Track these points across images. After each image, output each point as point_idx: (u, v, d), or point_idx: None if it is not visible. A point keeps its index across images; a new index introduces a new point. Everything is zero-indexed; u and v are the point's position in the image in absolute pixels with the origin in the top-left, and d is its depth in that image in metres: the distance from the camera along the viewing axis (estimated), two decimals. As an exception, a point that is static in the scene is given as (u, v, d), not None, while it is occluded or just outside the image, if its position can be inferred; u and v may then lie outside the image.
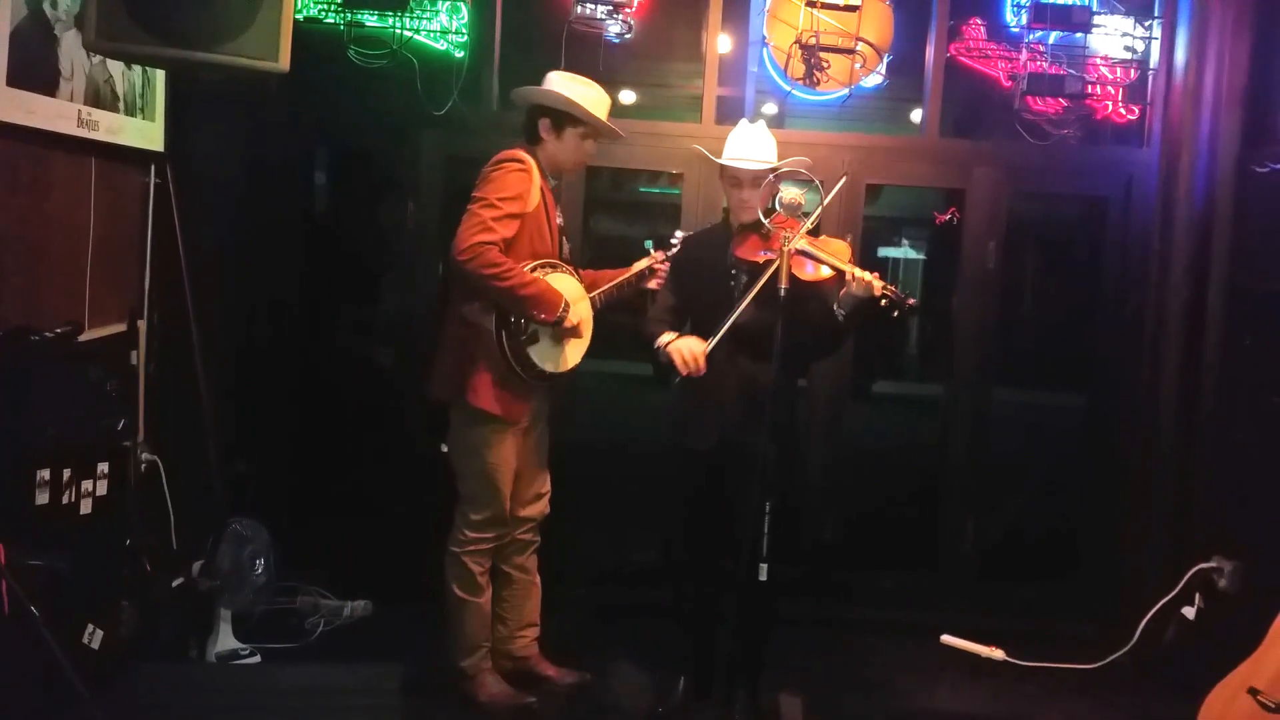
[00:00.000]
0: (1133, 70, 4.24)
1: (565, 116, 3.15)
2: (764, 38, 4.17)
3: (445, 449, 3.05)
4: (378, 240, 4.40)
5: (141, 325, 3.40)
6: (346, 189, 4.49)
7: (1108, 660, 3.81)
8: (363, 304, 4.42)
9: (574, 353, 3.19)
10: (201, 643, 3.25)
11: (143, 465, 3.17)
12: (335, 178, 4.42)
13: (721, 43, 4.27)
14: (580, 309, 3.15)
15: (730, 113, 4.46)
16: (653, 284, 3.29)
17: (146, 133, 3.50)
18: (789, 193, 3.08)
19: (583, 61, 4.12)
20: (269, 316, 4.07)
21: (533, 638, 3.41)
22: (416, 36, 3.98)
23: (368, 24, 3.90)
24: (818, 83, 4.14)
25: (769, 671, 2.85)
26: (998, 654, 3.85)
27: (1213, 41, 3.98)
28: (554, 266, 3.13)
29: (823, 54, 4.08)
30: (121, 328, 3.28)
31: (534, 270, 3.05)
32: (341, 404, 4.28)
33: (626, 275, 3.29)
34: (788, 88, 4.17)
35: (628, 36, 4.11)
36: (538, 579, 3.41)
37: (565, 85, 3.16)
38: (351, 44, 3.90)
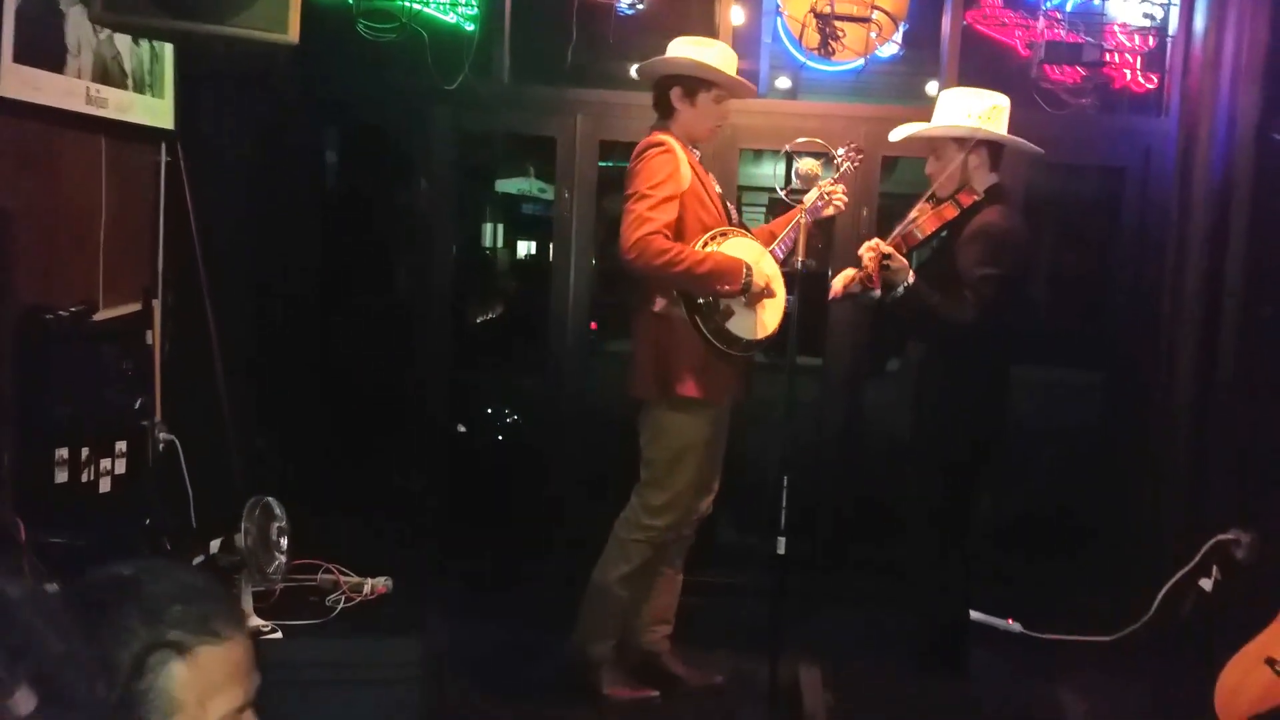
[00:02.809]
0: (1151, 38, 4.19)
1: (696, 81, 3.05)
2: (778, 7, 4.12)
3: (462, 429, 3.06)
4: (391, 218, 4.37)
5: (156, 305, 3.39)
6: (359, 165, 4.46)
7: (1125, 632, 3.82)
8: (378, 281, 4.39)
9: (773, 314, 3.08)
10: (223, 621, 3.24)
11: (160, 445, 3.17)
12: (347, 154, 4.39)
13: (735, 14, 4.21)
14: (764, 267, 3.04)
15: (745, 85, 4.42)
16: (829, 211, 3.14)
17: (156, 110, 3.46)
18: (805, 164, 3.06)
19: (594, 34, 4.08)
20: (284, 294, 4.06)
21: (664, 634, 3.29)
22: (426, 9, 3.93)
23: (377, -4, 3.86)
24: (833, 53, 4.09)
25: (790, 644, 2.85)
26: (1015, 626, 3.86)
27: (1232, 8, 3.93)
28: (725, 234, 3.04)
29: (838, 23, 4.03)
30: (136, 307, 3.26)
31: (705, 244, 2.98)
32: (359, 382, 4.27)
33: (799, 213, 3.09)
34: (802, 58, 4.13)
35: (639, 7, 4.06)
36: (680, 575, 3.31)
37: (690, 49, 3.06)
38: (360, 17, 3.85)
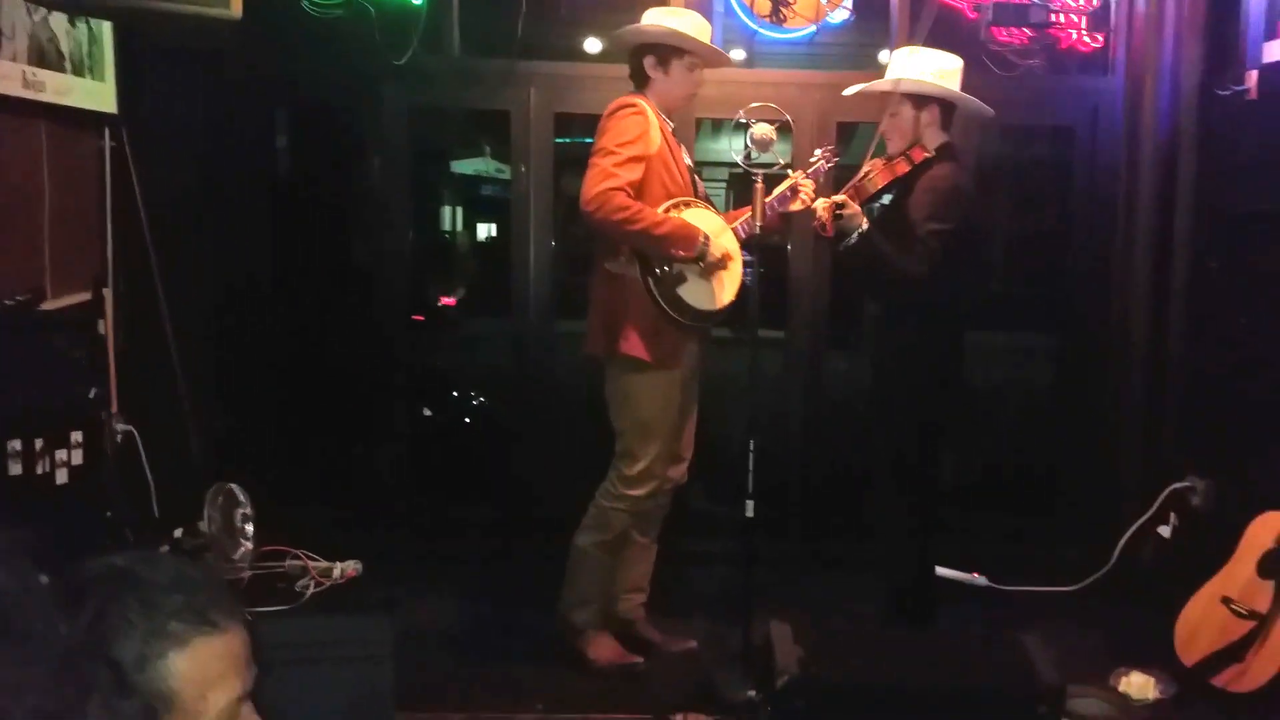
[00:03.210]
0: (1096, -2, 4.23)
1: (670, 50, 3.06)
2: (729, -26, 4.11)
3: (428, 412, 3.03)
4: (345, 198, 4.31)
5: (108, 293, 3.32)
6: (309, 145, 4.39)
7: (1088, 581, 3.91)
8: (335, 264, 4.33)
9: (727, 288, 3.09)
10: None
11: (118, 435, 3.11)
12: (297, 133, 4.32)
13: (687, -17, 4.18)
14: (723, 241, 3.05)
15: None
16: (795, 206, 3.13)
17: (97, 93, 3.38)
18: (759, 129, 3.06)
19: (545, 6, 4.05)
20: (239, 278, 3.99)
21: (639, 602, 3.31)
22: (374, -16, 3.87)
23: (322, -28, 3.79)
24: (784, 20, 4.10)
25: (762, 604, 2.88)
26: (981, 580, 3.93)
27: (1174, -35, 3.98)
28: (687, 204, 3.06)
29: (791, -12, 4.03)
30: (87, 296, 3.20)
31: (667, 210, 2.99)
32: (321, 367, 4.23)
33: (770, 199, 3.09)
34: (754, 26, 4.12)
35: (590, -22, 4.04)
36: (655, 545, 3.32)
37: (664, 18, 3.10)
38: (307, -7, 3.79)
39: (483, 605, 3.66)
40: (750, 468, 2.89)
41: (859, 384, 3.30)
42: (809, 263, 4.14)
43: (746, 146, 3.05)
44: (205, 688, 1.09)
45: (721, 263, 3.02)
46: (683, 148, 3.20)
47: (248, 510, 3.03)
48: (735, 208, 3.32)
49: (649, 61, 3.07)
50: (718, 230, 3.05)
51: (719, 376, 3.44)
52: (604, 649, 3.15)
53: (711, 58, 3.14)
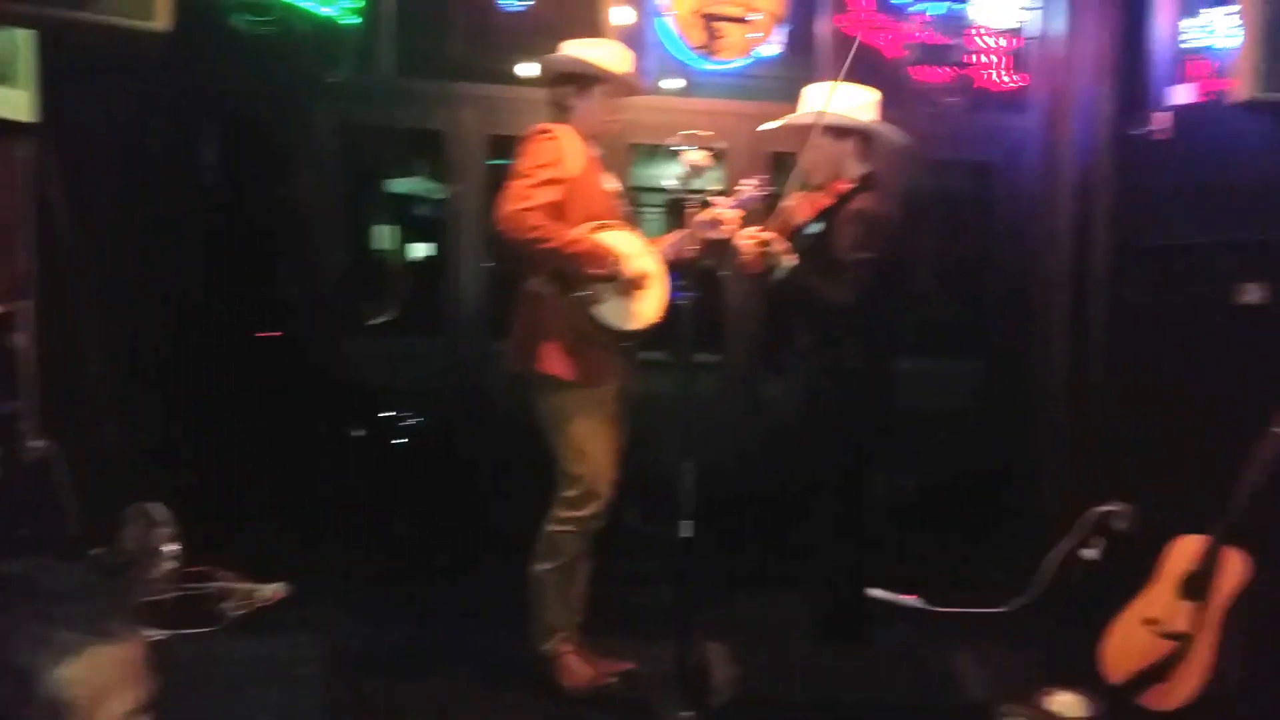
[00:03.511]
0: (1013, 40, 4.41)
1: (588, 79, 3.12)
2: (663, 7, 4.18)
3: (358, 433, 2.99)
4: (273, 213, 4.22)
5: (26, 306, 3.19)
6: (239, 160, 4.30)
7: (1017, 603, 3.98)
8: (265, 281, 4.24)
9: (646, 308, 3.11)
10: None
11: (35, 451, 2.98)
12: (226, 149, 4.23)
13: (621, 13, 4.24)
14: (642, 262, 3.09)
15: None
16: (717, 234, 3.15)
17: (16, 103, 3.27)
18: (692, 155, 3.10)
19: (480, 29, 4.07)
20: (164, 292, 3.88)
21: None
22: (305, 2, 3.85)
23: (254, -12, 3.76)
24: (717, 52, 4.18)
25: (698, 626, 2.88)
26: (914, 601, 3.98)
27: (1087, 11, 4.18)
28: (608, 226, 3.09)
29: (720, 22, 4.12)
30: (3, 308, 3.07)
31: (586, 232, 3.02)
32: (251, 385, 4.12)
33: (691, 227, 3.17)
34: (688, 57, 4.19)
35: (525, 4, 4.06)
36: (588, 564, 3.29)
37: (582, 48, 3.15)
38: (237, 10, 3.75)
39: (415, 625, 3.59)
40: (687, 488, 2.90)
41: (794, 407, 3.33)
42: (744, 287, 4.19)
43: (681, 172, 3.11)
44: (101, 697, 1.07)
45: (639, 283, 3.06)
46: (610, 176, 3.25)
47: (169, 529, 2.92)
48: (671, 232, 3.36)
49: (569, 90, 3.14)
50: (637, 251, 3.10)
51: (656, 398, 3.44)
52: (577, 673, 3.13)
53: (628, 86, 3.21)
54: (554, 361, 3.04)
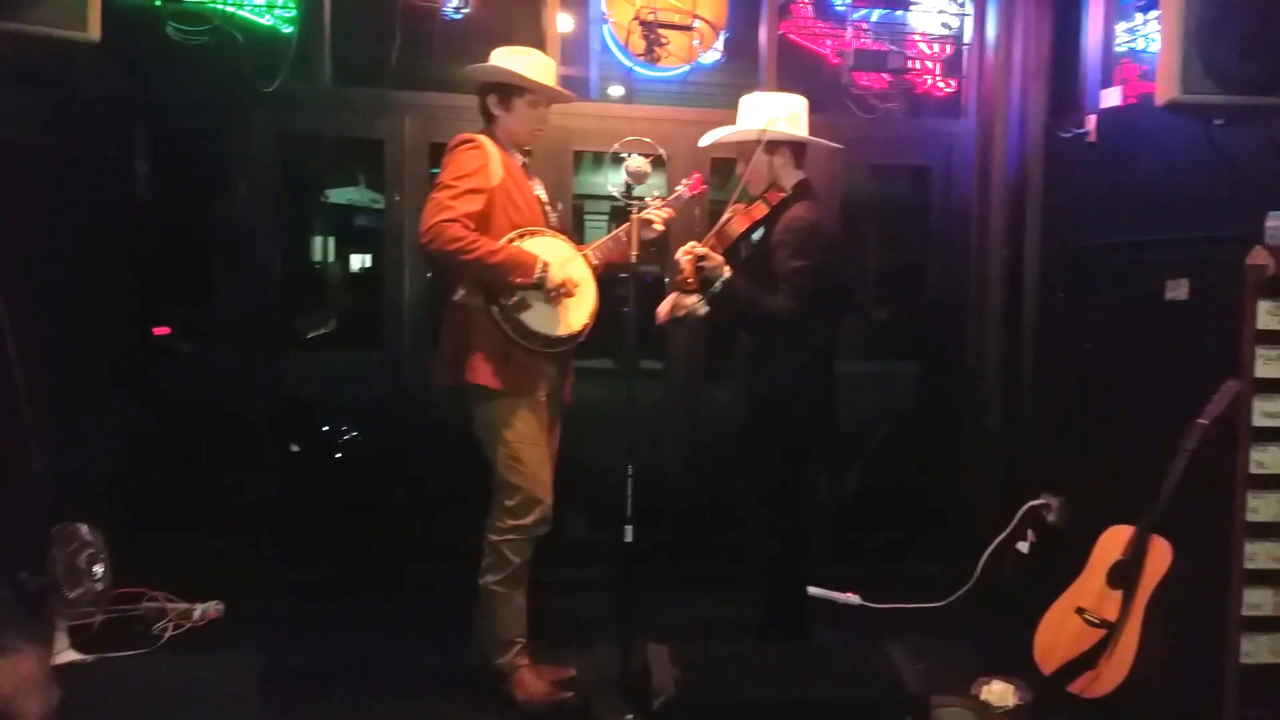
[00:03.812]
0: (949, 46, 4.49)
1: (511, 89, 3.14)
2: (604, 15, 4.21)
3: (296, 448, 2.96)
4: (208, 225, 4.18)
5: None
6: (173, 171, 4.25)
7: (953, 598, 4.07)
8: (196, 292, 4.19)
9: (575, 314, 3.13)
10: (35, 657, 3.01)
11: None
12: (159, 160, 4.18)
13: (563, 21, 4.27)
14: (570, 269, 3.10)
15: (576, 91, 4.47)
16: (651, 233, 3.20)
17: (-64, 112, 3.21)
18: (634, 162, 3.13)
19: (420, 37, 4.06)
20: (94, 306, 3.81)
21: None
22: (240, 11, 3.82)
23: (187, -1, 3.72)
24: (658, 59, 4.22)
25: (640, 630, 2.89)
26: (854, 599, 4.05)
27: (1019, 18, 4.27)
28: (532, 233, 3.10)
29: (661, 30, 4.16)
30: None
31: (511, 240, 3.03)
32: (186, 402, 4.07)
33: (619, 229, 3.20)
34: (629, 64, 4.22)
35: (465, 11, 4.07)
36: (528, 573, 3.28)
37: (506, 58, 3.15)
38: (169, 19, 3.71)
39: (354, 640, 3.56)
40: (629, 493, 2.91)
41: (736, 413, 3.36)
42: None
43: (623, 179, 3.13)
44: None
45: (565, 289, 3.07)
46: (537, 181, 3.26)
47: (96, 551, 2.87)
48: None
49: (493, 100, 3.16)
50: (564, 258, 3.12)
51: (601, 404, 3.46)
52: (531, 687, 3.11)
53: (553, 95, 3.23)
54: (484, 372, 3.05)
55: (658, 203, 3.23)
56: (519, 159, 3.20)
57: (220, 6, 3.74)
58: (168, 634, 3.36)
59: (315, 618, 3.70)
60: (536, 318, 3.06)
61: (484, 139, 3.10)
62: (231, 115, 4.00)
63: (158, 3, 3.69)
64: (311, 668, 3.29)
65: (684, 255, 3.08)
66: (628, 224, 3.11)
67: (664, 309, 3.18)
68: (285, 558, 4.00)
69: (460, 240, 2.92)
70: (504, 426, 3.08)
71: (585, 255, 3.20)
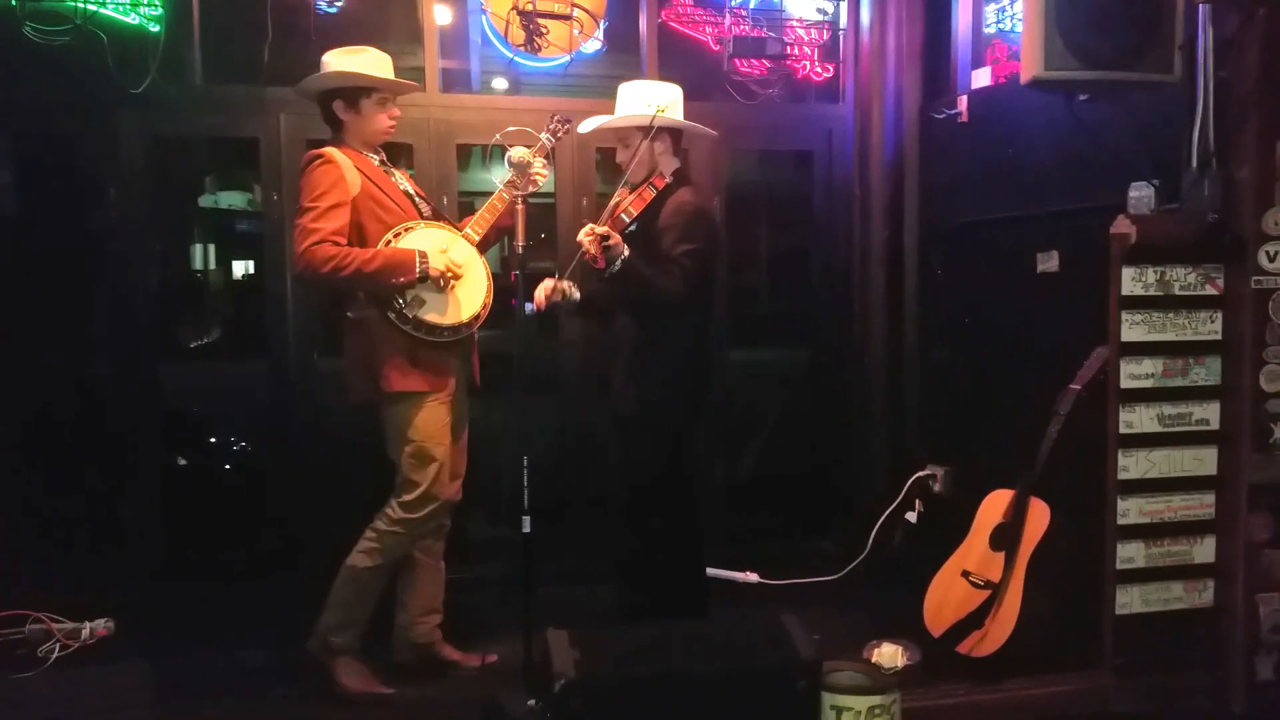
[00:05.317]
0: (825, 31, 4.59)
1: (354, 90, 3.10)
2: (482, 5, 4.18)
3: (183, 462, 2.91)
4: (78, 232, 4.01)
5: None
6: (36, 177, 4.08)
7: (847, 570, 4.20)
8: (69, 301, 4.02)
9: (470, 297, 3.11)
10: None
11: None
12: (21, 165, 4.01)
13: (440, 13, 4.22)
14: (452, 253, 3.07)
15: (456, 84, 4.45)
16: (532, 187, 3.14)
17: None
18: (517, 152, 3.13)
19: (294, 32, 3.97)
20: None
21: (434, 624, 3.32)
22: (103, 10, 3.69)
23: (44, -3, 3.58)
24: (538, 49, 4.21)
25: (543, 619, 2.90)
26: (752, 577, 4.15)
27: (893, 2, 4.38)
28: (409, 229, 3.07)
29: (540, 20, 4.15)
30: None
31: (389, 241, 3.01)
32: (58, 417, 3.93)
33: (493, 197, 3.19)
34: (509, 54, 4.21)
35: (340, 5, 4.00)
36: (442, 564, 3.33)
37: (340, 61, 3.10)
38: (27, 19, 3.55)
39: (249, 650, 3.49)
40: (525, 484, 2.92)
41: (623, 401, 3.38)
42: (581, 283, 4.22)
43: (507, 170, 3.13)
44: None
45: (449, 274, 3.07)
46: (397, 174, 3.24)
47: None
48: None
49: (339, 105, 3.13)
50: (443, 244, 3.10)
51: (492, 401, 3.46)
52: (356, 677, 3.12)
53: (398, 89, 3.22)
54: (399, 379, 3.04)
55: (528, 151, 3.15)
56: (374, 159, 3.18)
57: (81, 5, 3.60)
58: (54, 655, 3.25)
59: (209, 629, 3.61)
60: (434, 311, 3.05)
61: (332, 151, 3.07)
62: (99, 118, 3.85)
63: (13, 3, 3.54)
64: (205, 680, 3.23)
65: (586, 236, 3.08)
66: (499, 191, 3.15)
67: (541, 295, 3.20)
68: (177, 572, 3.90)
69: (333, 259, 2.90)
70: (417, 426, 3.08)
71: (466, 234, 3.18)
